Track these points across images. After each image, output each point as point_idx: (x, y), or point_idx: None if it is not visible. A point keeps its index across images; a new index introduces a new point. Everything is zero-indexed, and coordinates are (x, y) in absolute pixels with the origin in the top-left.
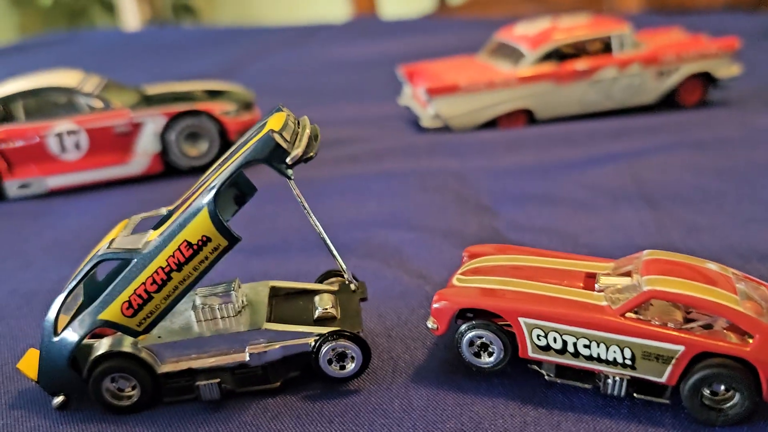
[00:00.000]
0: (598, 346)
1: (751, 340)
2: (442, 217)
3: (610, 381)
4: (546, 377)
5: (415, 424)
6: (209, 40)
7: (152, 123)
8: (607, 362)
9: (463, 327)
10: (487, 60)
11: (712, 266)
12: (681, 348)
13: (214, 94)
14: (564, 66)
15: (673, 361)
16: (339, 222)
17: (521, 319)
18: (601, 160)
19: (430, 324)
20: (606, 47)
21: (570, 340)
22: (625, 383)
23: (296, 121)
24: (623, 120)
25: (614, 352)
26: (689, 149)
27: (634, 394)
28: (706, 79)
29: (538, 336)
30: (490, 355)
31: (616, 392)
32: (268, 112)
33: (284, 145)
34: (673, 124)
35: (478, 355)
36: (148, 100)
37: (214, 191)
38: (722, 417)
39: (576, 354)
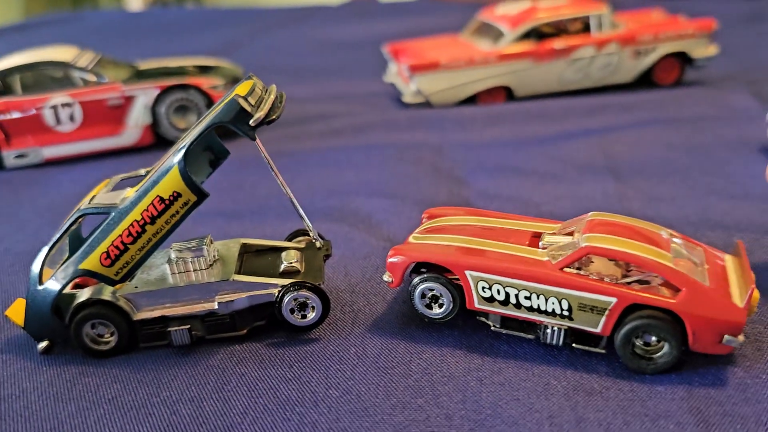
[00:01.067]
0: (538, 297)
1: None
2: (415, 186)
3: (549, 331)
4: (492, 327)
5: (368, 369)
6: (210, 20)
7: (143, 96)
8: (546, 313)
9: (416, 280)
10: (469, 39)
11: (651, 227)
12: (613, 300)
13: (204, 69)
14: (542, 45)
15: (607, 312)
16: (317, 190)
17: (467, 272)
18: (575, 136)
19: (385, 277)
20: (585, 27)
21: (512, 292)
22: (563, 333)
23: (264, 89)
24: (600, 97)
25: (553, 303)
26: (661, 126)
27: (573, 344)
28: (682, 59)
29: (483, 288)
30: (440, 306)
31: (554, 341)
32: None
33: (248, 108)
34: (648, 102)
35: (429, 306)
36: (140, 75)
37: (183, 151)
38: (652, 365)
39: (518, 305)
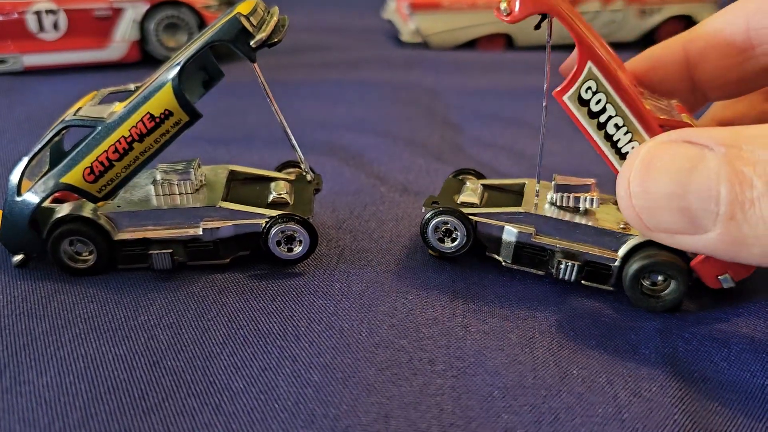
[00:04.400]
0: (626, 134)
1: None
2: (408, 127)
3: (562, 266)
4: (503, 263)
5: (351, 305)
6: None
7: (132, 10)
8: (617, 152)
9: (430, 213)
10: None
11: None
12: None
13: None
14: None
15: None
16: (307, 122)
17: (590, 63)
18: None
19: (503, 5)
20: None
21: (610, 110)
22: (575, 269)
23: (266, 10)
24: None
25: (633, 147)
26: None
27: (582, 281)
28: (687, 22)
29: (588, 89)
30: (453, 240)
31: (566, 277)
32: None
33: (250, 28)
34: None
35: (441, 240)
36: None
37: (178, 67)
38: (661, 303)
39: (602, 126)
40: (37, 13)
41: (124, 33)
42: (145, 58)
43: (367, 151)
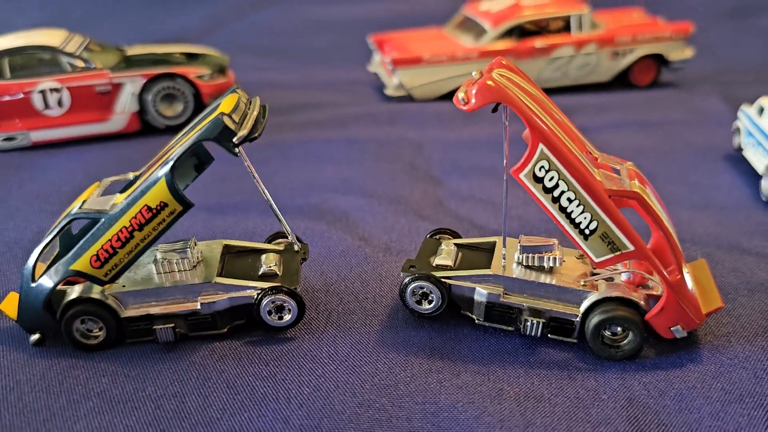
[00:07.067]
0: (578, 206)
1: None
2: (391, 185)
3: (529, 324)
4: (476, 321)
5: (338, 367)
6: None
7: (131, 84)
8: (572, 223)
9: (407, 279)
10: (452, 33)
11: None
12: (632, 247)
13: (191, 57)
14: (523, 43)
15: (618, 253)
16: (297, 186)
17: (542, 145)
18: None
19: (461, 95)
20: (565, 26)
21: (562, 185)
22: (541, 325)
23: (248, 102)
24: (577, 97)
25: (585, 218)
26: (633, 129)
27: (548, 335)
28: (659, 60)
29: (541, 167)
30: (430, 303)
31: (533, 333)
32: (224, 93)
33: (232, 126)
34: (623, 104)
35: (419, 302)
36: (128, 61)
37: (170, 164)
38: (620, 352)
39: (556, 200)
40: (42, 92)
41: (124, 105)
42: (145, 127)
43: (353, 212)
